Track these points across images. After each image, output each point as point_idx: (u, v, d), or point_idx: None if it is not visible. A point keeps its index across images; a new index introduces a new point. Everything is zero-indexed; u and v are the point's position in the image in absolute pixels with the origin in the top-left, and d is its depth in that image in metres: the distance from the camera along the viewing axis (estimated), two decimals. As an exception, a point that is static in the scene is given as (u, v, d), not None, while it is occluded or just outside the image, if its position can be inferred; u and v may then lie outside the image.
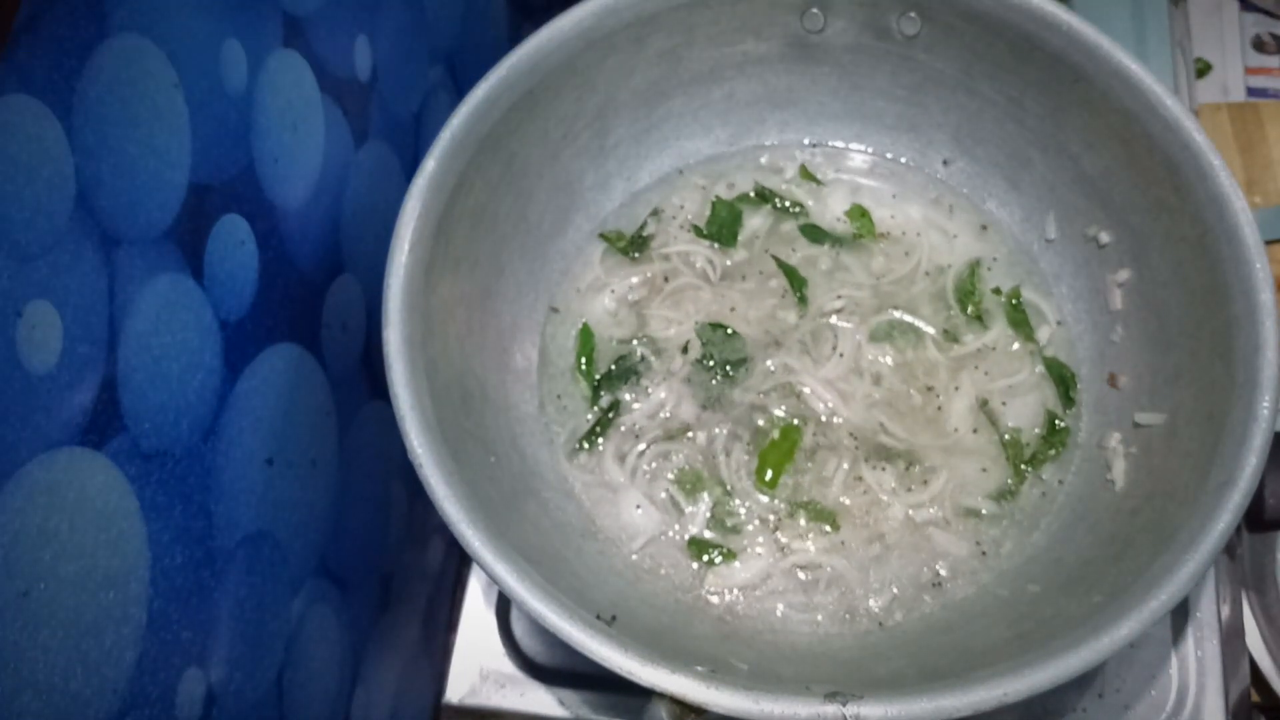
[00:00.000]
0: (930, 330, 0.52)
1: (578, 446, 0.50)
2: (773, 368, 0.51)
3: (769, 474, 0.48)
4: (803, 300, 0.52)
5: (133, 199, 0.30)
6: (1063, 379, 0.50)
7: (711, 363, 0.51)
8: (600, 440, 0.50)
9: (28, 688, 0.25)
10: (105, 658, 0.28)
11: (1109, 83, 0.45)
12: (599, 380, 0.51)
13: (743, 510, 0.48)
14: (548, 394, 0.51)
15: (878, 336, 0.51)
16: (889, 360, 0.51)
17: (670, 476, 0.49)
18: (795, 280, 0.53)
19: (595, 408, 0.50)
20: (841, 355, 0.51)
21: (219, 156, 0.35)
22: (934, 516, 0.47)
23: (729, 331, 0.51)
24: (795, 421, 0.49)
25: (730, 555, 0.47)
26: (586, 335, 0.52)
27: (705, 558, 0.47)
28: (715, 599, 0.46)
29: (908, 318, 0.52)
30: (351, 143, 0.45)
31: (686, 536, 0.47)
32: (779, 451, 0.49)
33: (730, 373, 0.51)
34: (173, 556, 0.31)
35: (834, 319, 0.52)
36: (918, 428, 0.49)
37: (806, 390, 0.50)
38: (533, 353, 0.52)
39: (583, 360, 0.51)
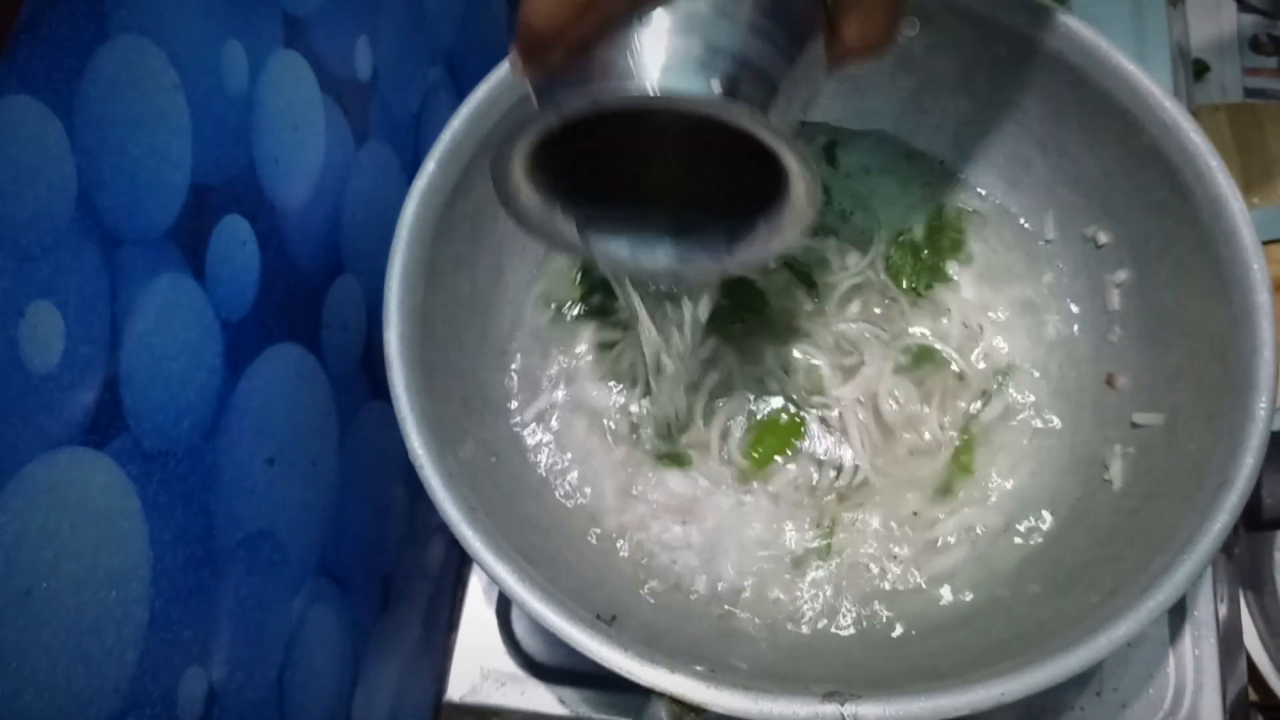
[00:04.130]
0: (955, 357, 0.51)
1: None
2: (797, 355, 0.51)
3: (759, 452, 0.48)
4: (813, 287, 0.52)
5: (134, 199, 0.30)
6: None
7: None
8: None
9: (29, 687, 0.25)
10: (107, 657, 0.28)
11: (1107, 84, 0.45)
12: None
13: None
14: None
15: (903, 367, 0.51)
16: (905, 397, 0.50)
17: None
18: (804, 278, 0.53)
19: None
20: (864, 369, 0.50)
21: (220, 157, 0.35)
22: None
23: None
24: (800, 414, 0.49)
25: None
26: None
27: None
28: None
29: (931, 341, 0.51)
30: (352, 143, 0.45)
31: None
32: (777, 436, 0.48)
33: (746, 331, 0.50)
34: (174, 556, 0.31)
35: (854, 326, 0.51)
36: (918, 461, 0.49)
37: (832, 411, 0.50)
38: (533, 352, 0.52)
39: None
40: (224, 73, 0.35)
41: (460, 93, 0.45)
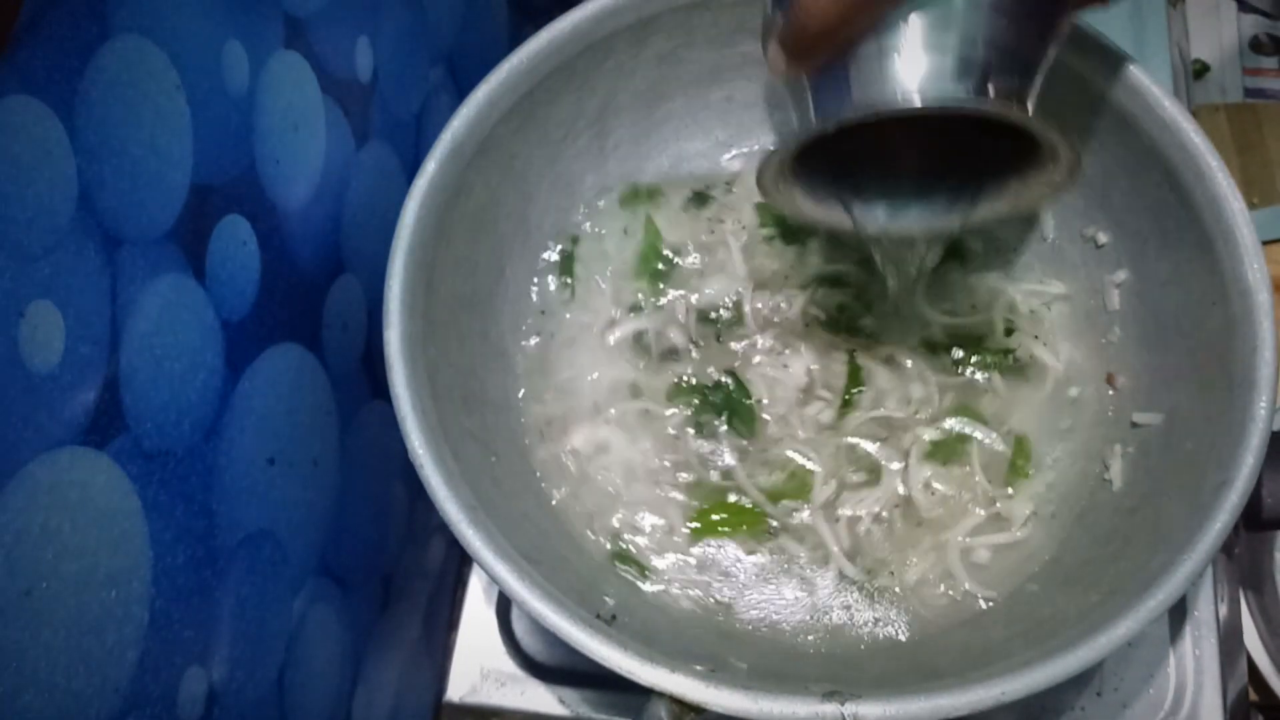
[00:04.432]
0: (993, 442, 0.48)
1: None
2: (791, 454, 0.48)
3: (698, 525, 0.47)
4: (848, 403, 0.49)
5: (135, 200, 0.30)
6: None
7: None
8: None
9: (30, 686, 0.25)
10: (107, 656, 0.28)
11: (1107, 84, 0.45)
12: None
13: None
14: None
15: (930, 453, 0.48)
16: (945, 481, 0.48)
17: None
18: (853, 376, 0.49)
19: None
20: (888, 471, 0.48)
21: (221, 157, 0.35)
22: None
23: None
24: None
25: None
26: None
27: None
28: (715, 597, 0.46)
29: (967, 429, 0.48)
30: (353, 143, 0.45)
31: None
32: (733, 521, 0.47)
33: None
34: (175, 555, 0.31)
35: (867, 444, 0.48)
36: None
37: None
38: (533, 352, 0.52)
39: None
40: (225, 73, 0.35)
41: (461, 94, 0.45)
